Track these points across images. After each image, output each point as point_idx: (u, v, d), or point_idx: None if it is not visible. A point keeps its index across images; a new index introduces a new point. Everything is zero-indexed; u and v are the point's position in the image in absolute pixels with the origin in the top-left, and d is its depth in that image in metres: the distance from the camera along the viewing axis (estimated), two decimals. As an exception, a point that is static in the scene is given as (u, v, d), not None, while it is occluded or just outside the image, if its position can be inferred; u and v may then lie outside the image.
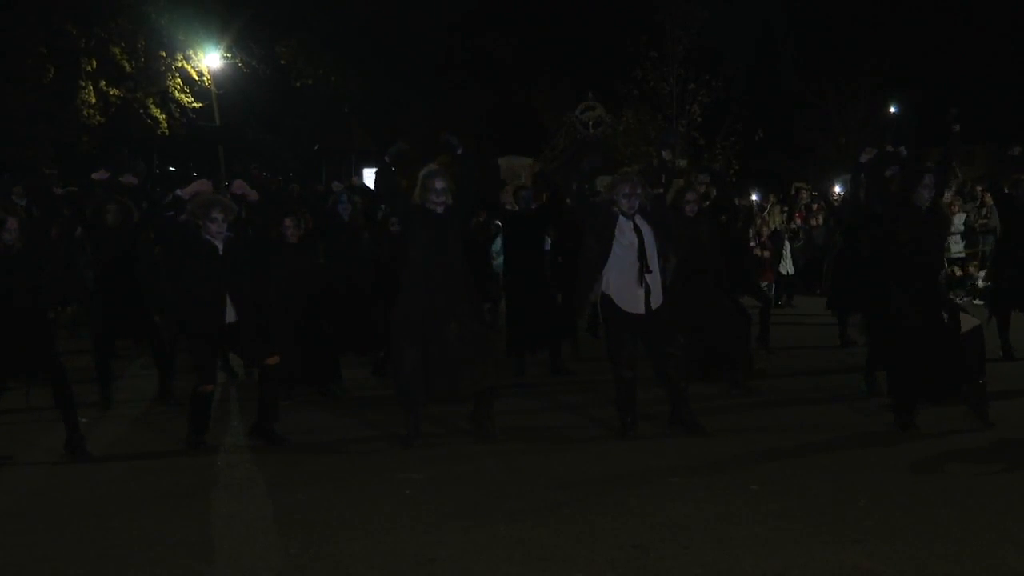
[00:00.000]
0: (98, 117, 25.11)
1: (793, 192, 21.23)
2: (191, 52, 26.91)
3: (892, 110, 31.82)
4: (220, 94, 27.78)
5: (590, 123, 24.65)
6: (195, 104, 26.94)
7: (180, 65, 26.72)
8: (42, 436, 7.24)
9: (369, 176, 25.11)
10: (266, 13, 26.88)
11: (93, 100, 24.82)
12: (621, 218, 7.01)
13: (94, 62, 24.95)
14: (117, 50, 25.27)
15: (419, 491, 5.75)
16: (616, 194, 7.04)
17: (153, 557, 4.74)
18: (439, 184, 6.84)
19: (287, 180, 27.31)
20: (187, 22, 26.15)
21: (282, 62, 28.07)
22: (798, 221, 19.53)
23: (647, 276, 6.92)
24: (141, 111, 26.13)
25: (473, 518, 5.21)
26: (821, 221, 18.25)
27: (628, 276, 6.93)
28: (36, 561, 4.75)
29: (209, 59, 27.31)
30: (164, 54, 26.24)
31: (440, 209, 6.83)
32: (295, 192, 22.84)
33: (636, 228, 6.97)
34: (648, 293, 6.93)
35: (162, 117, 26.38)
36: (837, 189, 26.26)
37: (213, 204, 6.84)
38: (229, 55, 27.61)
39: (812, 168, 29.74)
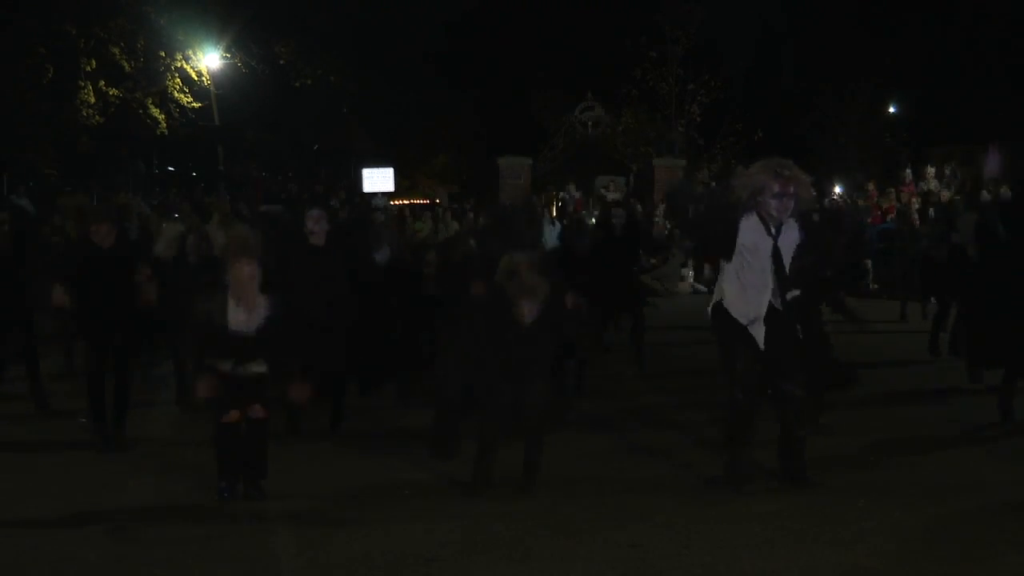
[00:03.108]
0: (97, 117, 25.10)
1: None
2: (190, 52, 26.88)
3: (892, 110, 31.81)
4: (219, 94, 27.75)
5: (589, 123, 24.62)
6: (194, 104, 26.90)
7: (179, 65, 26.69)
8: (43, 437, 7.24)
9: (369, 176, 25.12)
10: (265, 13, 26.84)
11: (92, 100, 24.81)
12: (753, 222, 5.46)
13: (93, 62, 24.94)
14: (116, 50, 25.25)
15: (419, 491, 5.75)
16: (760, 192, 5.41)
17: (153, 557, 4.74)
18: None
19: (286, 180, 27.35)
20: (186, 22, 26.12)
21: (281, 62, 28.05)
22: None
23: (774, 301, 5.52)
24: (140, 111, 26.11)
25: (473, 518, 5.21)
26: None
27: (751, 301, 5.57)
28: (36, 561, 4.75)
29: (208, 59, 27.27)
30: (163, 54, 26.21)
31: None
32: (293, 192, 22.76)
33: (775, 241, 5.46)
34: (771, 325, 5.53)
35: (161, 117, 26.35)
36: (837, 190, 26.24)
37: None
38: (228, 55, 27.58)
39: (811, 168, 29.65)
